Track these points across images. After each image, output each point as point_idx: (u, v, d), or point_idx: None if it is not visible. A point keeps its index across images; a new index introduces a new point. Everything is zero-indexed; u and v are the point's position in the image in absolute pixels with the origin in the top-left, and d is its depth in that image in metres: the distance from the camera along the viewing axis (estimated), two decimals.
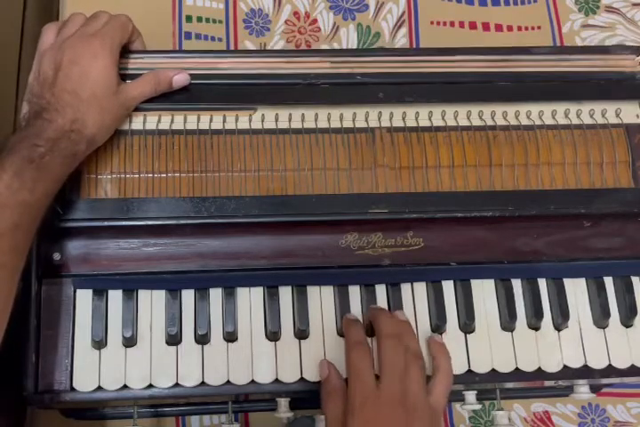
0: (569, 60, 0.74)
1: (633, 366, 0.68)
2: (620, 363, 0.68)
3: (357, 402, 0.60)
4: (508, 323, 0.68)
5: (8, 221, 0.55)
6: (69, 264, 0.65)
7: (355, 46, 0.93)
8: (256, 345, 0.65)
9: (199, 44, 0.91)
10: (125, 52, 0.69)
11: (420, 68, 0.72)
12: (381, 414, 0.59)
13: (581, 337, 0.68)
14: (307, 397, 0.64)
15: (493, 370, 0.66)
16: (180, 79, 0.68)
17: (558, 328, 0.68)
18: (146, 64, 0.69)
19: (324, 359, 0.65)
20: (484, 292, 0.69)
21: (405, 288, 0.68)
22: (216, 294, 0.66)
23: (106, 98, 0.63)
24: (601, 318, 0.68)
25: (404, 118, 0.71)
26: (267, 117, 0.70)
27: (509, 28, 0.96)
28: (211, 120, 0.69)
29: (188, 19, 0.92)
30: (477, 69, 0.72)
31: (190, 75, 0.69)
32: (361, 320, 0.66)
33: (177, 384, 0.64)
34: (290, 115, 0.70)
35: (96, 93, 0.62)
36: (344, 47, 0.92)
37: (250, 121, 0.70)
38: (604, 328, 0.69)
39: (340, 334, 0.66)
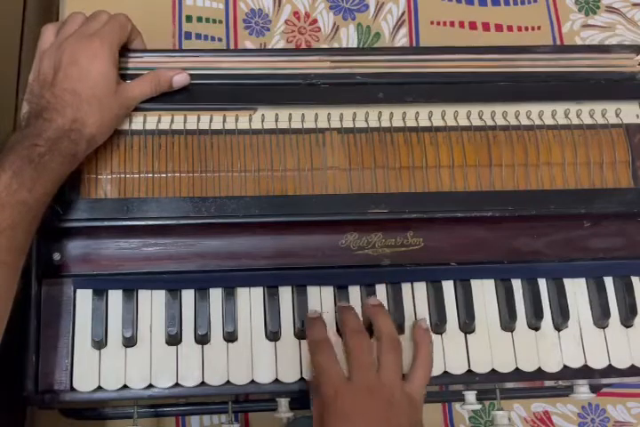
0: (569, 60, 0.74)
1: (633, 366, 0.68)
2: (620, 363, 0.68)
3: (329, 394, 0.60)
4: (508, 323, 0.68)
5: (8, 220, 0.55)
6: (69, 264, 0.65)
7: (355, 46, 0.93)
8: (256, 345, 0.65)
9: (199, 44, 0.91)
10: (125, 50, 0.69)
11: (419, 69, 0.72)
12: (357, 405, 0.60)
13: (581, 337, 0.68)
14: (307, 397, 0.64)
15: (493, 370, 0.66)
16: (180, 79, 0.68)
17: (558, 328, 0.68)
18: (145, 63, 0.69)
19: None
20: (484, 292, 0.69)
21: (405, 288, 0.68)
22: (216, 294, 0.66)
23: (106, 98, 0.63)
24: (601, 318, 0.68)
25: (403, 118, 0.71)
26: (267, 117, 0.70)
27: (509, 29, 0.96)
28: (211, 120, 0.69)
29: (188, 19, 0.92)
30: (477, 69, 0.72)
31: (190, 75, 0.69)
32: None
33: (177, 384, 0.64)
34: (290, 115, 0.70)
35: (96, 93, 0.62)
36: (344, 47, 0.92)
37: (250, 121, 0.70)
38: (604, 328, 0.69)
39: (341, 333, 0.66)
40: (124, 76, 0.68)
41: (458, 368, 0.66)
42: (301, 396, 0.66)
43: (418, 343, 0.65)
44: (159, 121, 0.69)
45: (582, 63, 0.74)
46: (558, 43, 0.95)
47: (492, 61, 0.73)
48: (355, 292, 0.68)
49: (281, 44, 0.92)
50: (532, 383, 0.76)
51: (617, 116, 0.73)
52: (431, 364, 0.65)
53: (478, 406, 0.71)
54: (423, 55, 0.73)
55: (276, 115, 0.70)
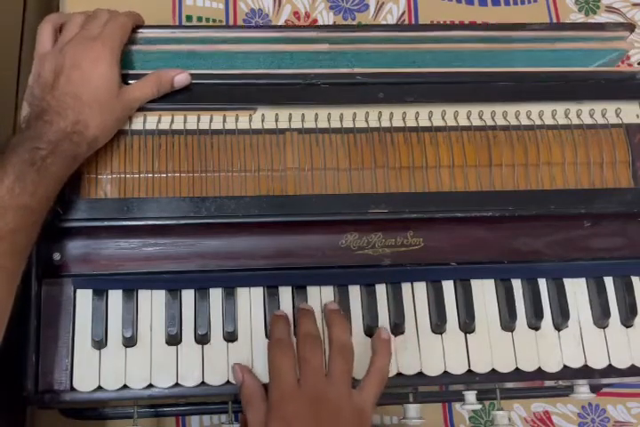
0: (563, 39, 0.73)
1: (633, 366, 0.68)
2: (620, 363, 0.68)
3: (275, 399, 0.60)
4: (508, 323, 0.68)
5: (10, 224, 0.55)
6: (69, 264, 0.65)
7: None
8: (256, 345, 0.65)
9: None
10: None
11: (419, 68, 0.72)
12: (300, 412, 0.59)
13: (581, 337, 0.68)
14: None
15: (493, 370, 0.66)
16: (181, 79, 0.68)
17: (558, 328, 0.68)
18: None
19: (235, 364, 0.64)
20: (484, 292, 0.69)
21: (405, 288, 0.68)
22: (216, 294, 0.66)
23: (107, 101, 0.63)
24: (601, 318, 0.68)
25: (404, 118, 0.71)
26: (267, 117, 0.70)
27: None
28: (211, 120, 0.69)
29: (188, 19, 0.93)
30: (477, 69, 0.72)
31: (191, 75, 0.69)
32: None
33: (177, 384, 0.64)
34: (290, 115, 0.70)
35: (98, 97, 0.62)
36: None
37: (250, 121, 0.70)
38: (604, 328, 0.69)
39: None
40: (124, 77, 0.67)
41: (458, 368, 0.66)
42: None
43: (375, 352, 0.64)
44: (159, 121, 0.69)
45: (577, 45, 0.73)
46: None
47: (486, 42, 0.73)
48: (355, 292, 0.68)
49: None
50: (532, 383, 0.76)
51: (617, 116, 0.73)
52: (385, 375, 0.63)
53: (478, 406, 0.71)
54: (421, 32, 0.73)
55: (276, 115, 0.70)
